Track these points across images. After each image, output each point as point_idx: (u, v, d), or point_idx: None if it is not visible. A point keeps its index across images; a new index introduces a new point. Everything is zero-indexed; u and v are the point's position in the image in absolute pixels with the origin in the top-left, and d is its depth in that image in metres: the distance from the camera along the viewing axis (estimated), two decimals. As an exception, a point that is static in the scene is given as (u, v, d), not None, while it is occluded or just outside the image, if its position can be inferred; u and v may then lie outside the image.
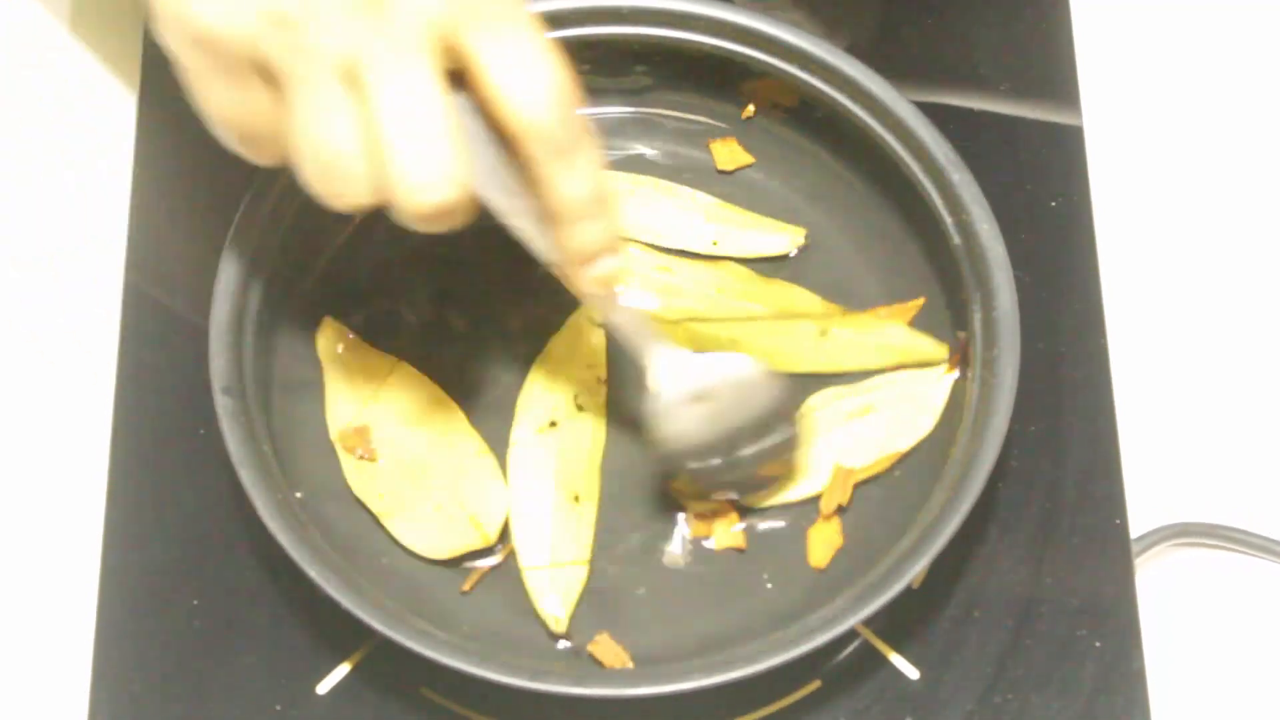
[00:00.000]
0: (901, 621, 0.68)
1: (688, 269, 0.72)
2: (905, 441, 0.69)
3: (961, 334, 0.69)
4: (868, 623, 0.64)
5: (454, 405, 0.70)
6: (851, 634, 0.66)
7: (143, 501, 0.69)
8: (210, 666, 0.67)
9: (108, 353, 0.72)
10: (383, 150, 0.53)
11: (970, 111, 0.77)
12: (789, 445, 0.67)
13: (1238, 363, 0.75)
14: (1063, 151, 0.76)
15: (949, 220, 0.69)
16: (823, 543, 0.68)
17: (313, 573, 0.62)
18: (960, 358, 0.69)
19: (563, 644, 0.66)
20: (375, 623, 0.61)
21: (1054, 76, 0.78)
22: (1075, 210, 0.75)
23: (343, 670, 0.67)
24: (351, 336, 0.70)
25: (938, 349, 0.70)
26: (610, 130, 0.76)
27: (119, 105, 0.77)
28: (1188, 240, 0.78)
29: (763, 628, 0.65)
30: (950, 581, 0.68)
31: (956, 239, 0.68)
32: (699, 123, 0.76)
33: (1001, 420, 0.64)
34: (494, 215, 0.59)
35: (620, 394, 0.70)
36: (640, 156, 0.75)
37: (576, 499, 0.68)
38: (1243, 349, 0.76)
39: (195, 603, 0.68)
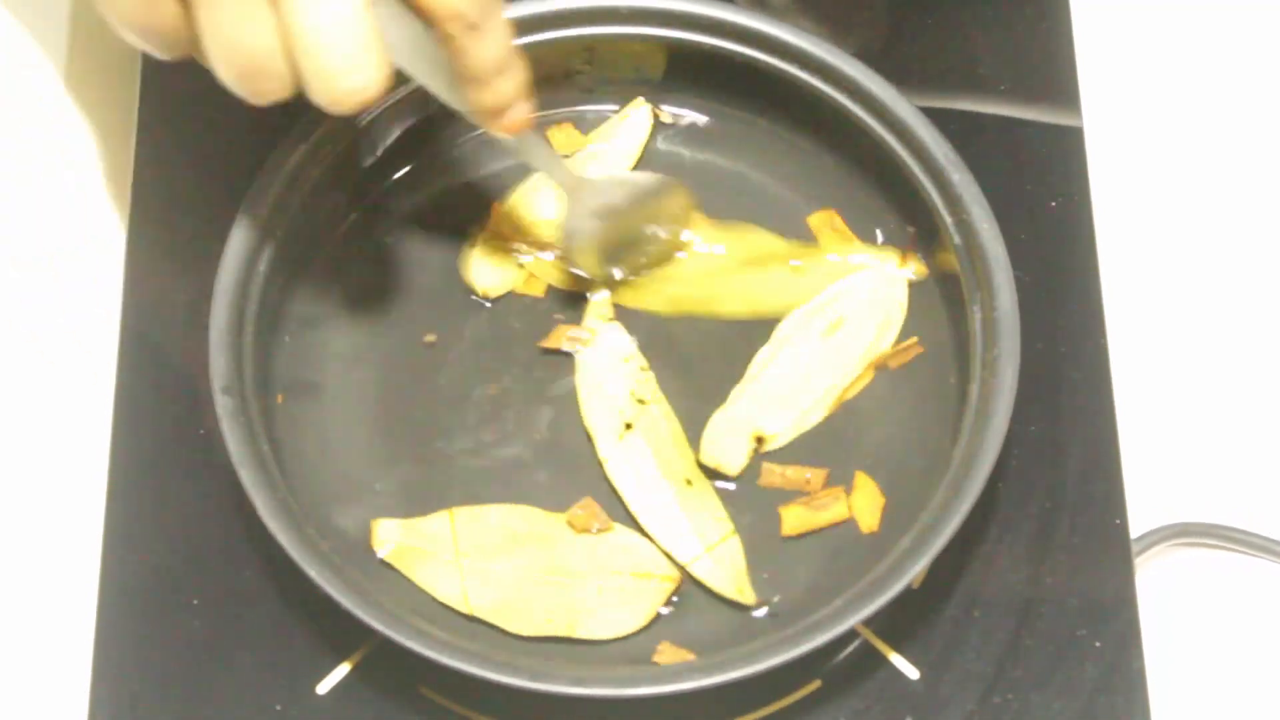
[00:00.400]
0: (901, 621, 0.68)
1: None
2: (885, 341, 0.71)
3: (910, 229, 0.72)
4: (868, 623, 0.64)
5: (524, 505, 0.68)
6: (851, 634, 0.66)
7: (143, 501, 0.69)
8: (210, 666, 0.67)
9: (108, 353, 0.72)
10: (303, 48, 0.55)
11: (970, 112, 0.77)
12: (679, 217, 0.73)
13: (1238, 363, 0.75)
14: (1063, 152, 0.76)
15: (949, 220, 0.69)
16: (867, 509, 0.68)
17: (313, 573, 0.62)
18: (911, 250, 0.72)
19: (760, 611, 0.66)
20: (375, 623, 0.61)
21: (1054, 77, 0.78)
22: (1075, 210, 0.75)
23: (343, 670, 0.67)
24: (395, 524, 0.67)
25: (907, 262, 0.72)
26: (610, 129, 0.76)
27: (119, 105, 0.77)
28: (1188, 240, 0.78)
29: (763, 627, 0.65)
30: (950, 581, 0.68)
31: (957, 239, 0.69)
32: (700, 122, 0.76)
33: (1001, 420, 0.64)
34: (414, 80, 0.62)
35: (667, 374, 0.71)
36: (641, 155, 0.75)
37: (689, 483, 0.68)
38: (1243, 349, 0.76)
39: (195, 603, 0.68)
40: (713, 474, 0.69)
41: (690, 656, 0.65)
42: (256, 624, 0.67)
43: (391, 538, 0.67)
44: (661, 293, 0.72)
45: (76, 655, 0.67)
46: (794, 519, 0.68)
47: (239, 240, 0.67)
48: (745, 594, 0.66)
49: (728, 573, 0.67)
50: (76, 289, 0.75)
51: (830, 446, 0.70)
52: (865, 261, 0.72)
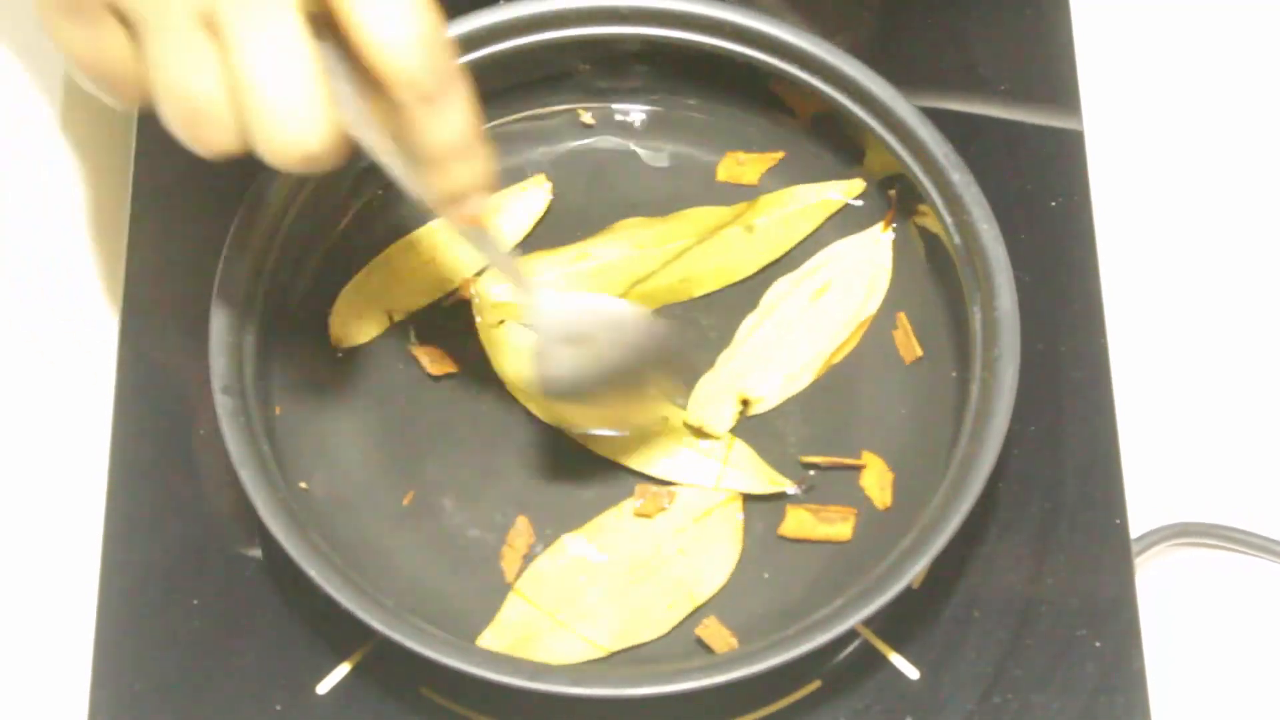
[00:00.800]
0: (901, 621, 0.68)
1: (600, 246, 0.73)
2: (873, 304, 0.72)
3: (891, 192, 0.73)
4: (868, 623, 0.64)
5: (560, 538, 0.67)
6: (851, 634, 0.66)
7: (143, 501, 0.69)
8: (210, 666, 0.67)
9: (108, 353, 0.72)
10: (247, 99, 0.53)
11: (970, 113, 0.77)
12: (662, 386, 0.69)
13: (1238, 362, 0.75)
14: (1063, 152, 0.76)
15: (949, 220, 0.69)
16: (877, 486, 0.68)
17: (313, 573, 0.62)
18: (894, 213, 0.72)
19: (803, 489, 0.68)
20: (375, 623, 0.61)
21: (1054, 78, 0.78)
22: (1075, 211, 0.75)
23: (343, 670, 0.67)
24: (488, 634, 0.66)
25: (848, 185, 0.74)
26: (610, 130, 0.76)
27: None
28: (1188, 240, 0.78)
29: (763, 626, 0.65)
30: (950, 581, 0.68)
31: (957, 239, 0.69)
32: (699, 123, 0.76)
33: (1001, 420, 0.64)
34: (367, 154, 0.58)
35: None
36: (640, 156, 0.75)
37: (665, 419, 0.69)
38: (1243, 349, 0.76)
39: (195, 603, 0.68)
40: (699, 435, 0.69)
41: (734, 640, 0.65)
42: (256, 624, 0.67)
43: (493, 645, 0.66)
44: (631, 292, 0.72)
45: (76, 655, 0.67)
46: (796, 522, 0.68)
47: (240, 239, 0.67)
48: (779, 480, 0.68)
49: (753, 472, 0.68)
50: (76, 289, 0.75)
51: (832, 446, 0.70)
52: (813, 197, 0.73)
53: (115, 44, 0.54)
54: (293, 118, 0.53)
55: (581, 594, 0.67)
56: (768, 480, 0.68)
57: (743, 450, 0.69)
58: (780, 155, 0.75)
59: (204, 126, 0.54)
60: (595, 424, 0.69)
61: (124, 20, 0.54)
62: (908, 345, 0.71)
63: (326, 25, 0.55)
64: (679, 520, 0.68)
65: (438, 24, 0.55)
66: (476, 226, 0.60)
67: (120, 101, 0.57)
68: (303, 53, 0.53)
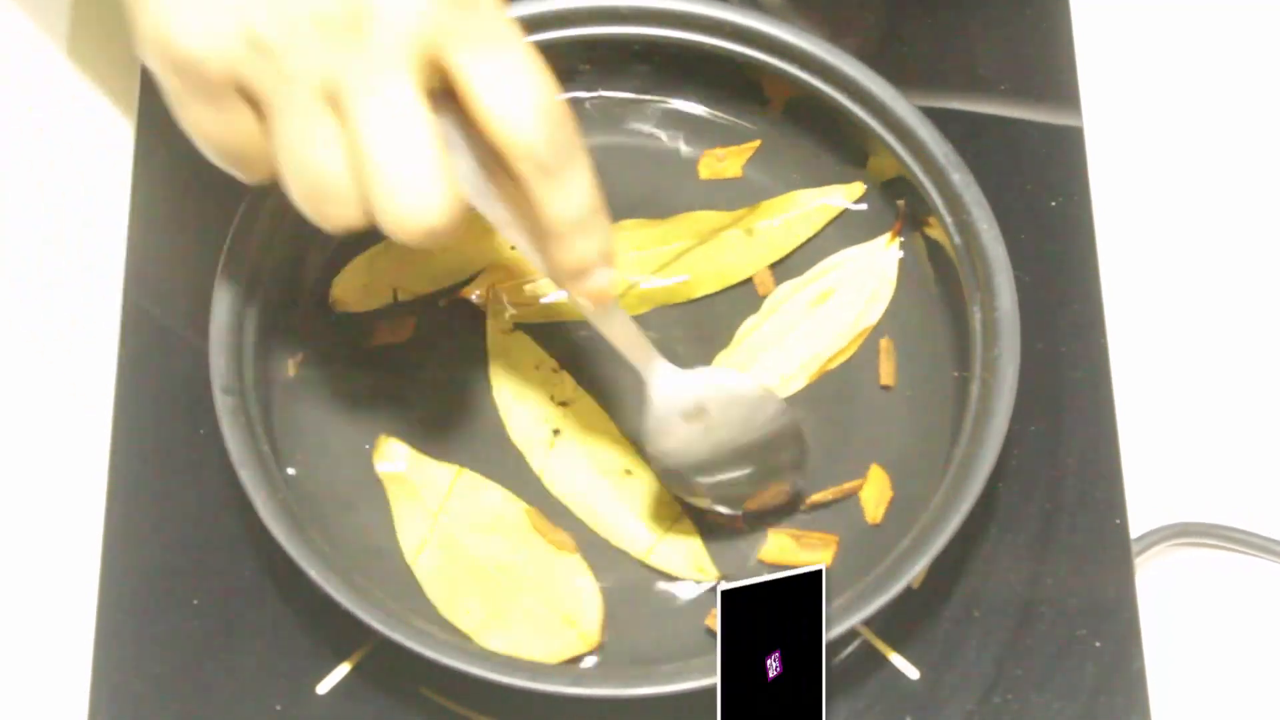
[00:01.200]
0: (901, 621, 0.68)
1: None
2: (874, 314, 0.71)
3: (900, 202, 0.72)
4: (868, 623, 0.64)
5: (521, 501, 0.68)
6: (851, 634, 0.66)
7: (143, 501, 0.69)
8: (210, 666, 0.67)
9: (108, 353, 0.72)
10: (368, 174, 0.54)
11: (970, 112, 0.77)
12: (793, 465, 0.67)
13: (1238, 363, 0.75)
14: (1063, 152, 0.76)
15: (949, 220, 0.69)
16: (874, 501, 0.68)
17: (313, 573, 0.62)
18: (901, 224, 0.72)
19: (725, 584, 0.65)
20: (375, 623, 0.61)
21: (1054, 77, 0.78)
22: (1075, 210, 0.75)
23: (343, 670, 0.67)
24: (408, 450, 0.68)
25: (849, 189, 0.73)
26: (610, 130, 0.76)
27: (120, 103, 0.77)
28: (1188, 240, 0.78)
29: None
30: (950, 581, 0.68)
31: (957, 239, 0.69)
32: (699, 122, 0.76)
33: (1001, 420, 0.64)
34: (492, 226, 0.59)
35: (583, 373, 0.71)
36: (638, 155, 0.76)
37: (628, 472, 0.69)
38: (1243, 349, 0.76)
39: (195, 603, 0.68)
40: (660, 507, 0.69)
41: None
42: (256, 624, 0.67)
43: (398, 462, 0.67)
44: (629, 293, 0.72)
45: (76, 655, 0.67)
46: (777, 548, 0.68)
47: (240, 239, 0.67)
48: (706, 571, 0.67)
49: (684, 555, 0.67)
50: (76, 289, 0.75)
51: (832, 447, 0.70)
52: (813, 201, 0.73)
53: (243, 124, 0.55)
54: (413, 192, 0.53)
55: (467, 531, 0.67)
56: (695, 569, 0.67)
57: (685, 529, 0.68)
58: (756, 144, 0.75)
59: (328, 203, 0.55)
60: (708, 500, 0.67)
61: (251, 100, 0.55)
62: (888, 368, 0.71)
63: (446, 98, 0.55)
64: (559, 595, 0.66)
65: (557, 95, 0.55)
66: (601, 301, 0.60)
67: (250, 177, 0.58)
68: (421, 126, 0.53)
